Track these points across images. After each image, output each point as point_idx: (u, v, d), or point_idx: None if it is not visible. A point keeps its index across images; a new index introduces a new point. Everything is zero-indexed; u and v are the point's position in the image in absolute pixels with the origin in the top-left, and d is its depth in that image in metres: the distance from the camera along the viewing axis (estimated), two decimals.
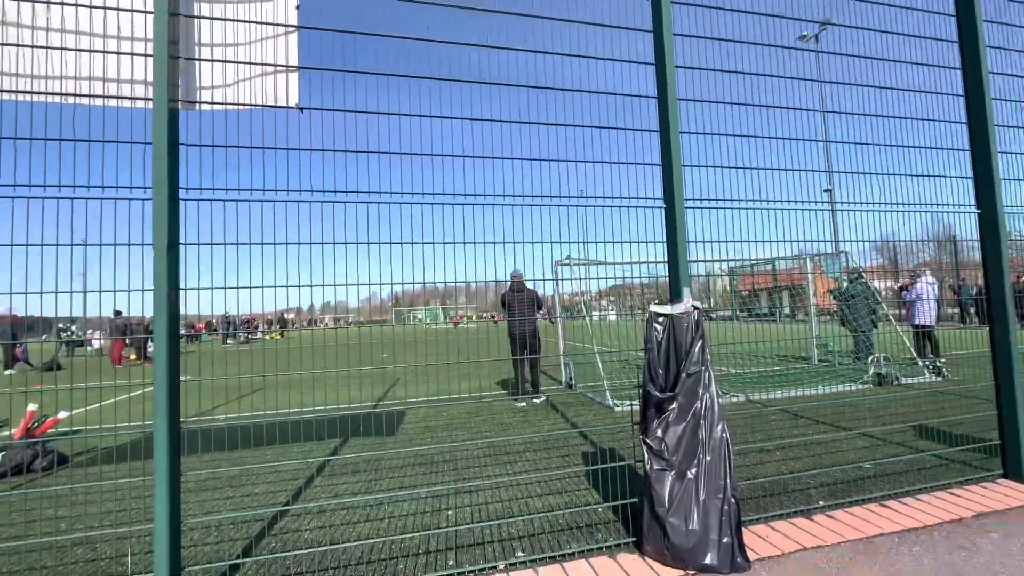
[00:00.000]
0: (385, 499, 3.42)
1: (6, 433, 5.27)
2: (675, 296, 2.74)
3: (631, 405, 5.91)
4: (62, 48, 2.19)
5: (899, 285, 7.77)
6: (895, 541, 2.59)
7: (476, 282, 2.83)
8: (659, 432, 2.54)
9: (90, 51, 2.18)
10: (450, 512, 3.17)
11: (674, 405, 2.54)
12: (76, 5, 2.18)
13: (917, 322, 7.33)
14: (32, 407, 4.61)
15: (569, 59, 2.82)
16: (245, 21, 2.29)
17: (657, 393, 2.53)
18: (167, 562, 2.02)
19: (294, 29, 2.38)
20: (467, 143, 2.67)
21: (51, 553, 2.81)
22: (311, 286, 2.41)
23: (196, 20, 2.29)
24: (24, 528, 3.16)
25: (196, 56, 2.28)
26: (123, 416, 6.51)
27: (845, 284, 7.81)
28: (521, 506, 3.23)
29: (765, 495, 3.17)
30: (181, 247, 2.20)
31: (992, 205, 3.30)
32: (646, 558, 2.51)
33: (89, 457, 4.80)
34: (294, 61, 2.38)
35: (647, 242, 2.85)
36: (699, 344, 2.61)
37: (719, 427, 2.52)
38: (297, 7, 2.39)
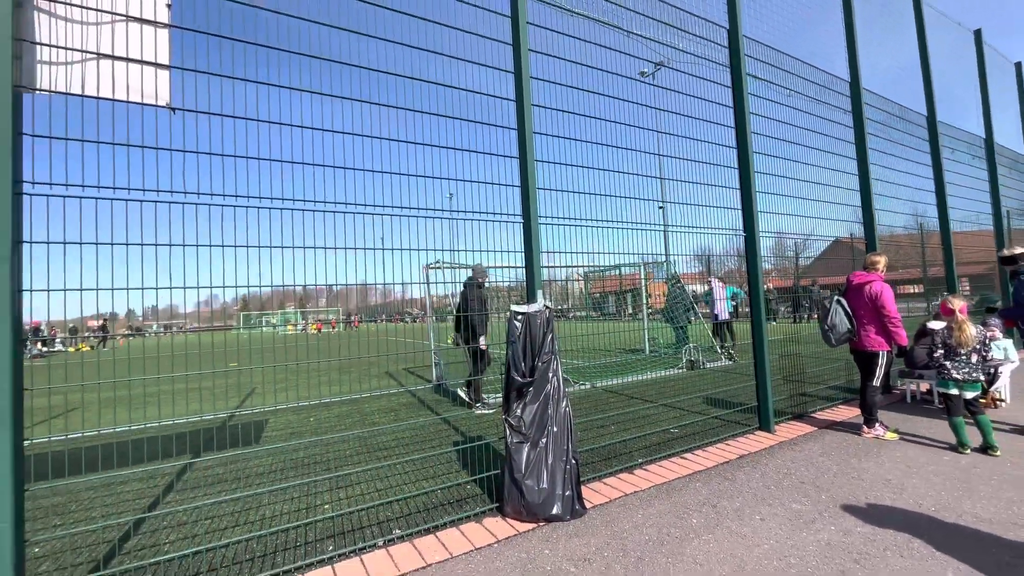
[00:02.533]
0: (254, 498, 3.38)
1: None
2: (531, 297, 3.28)
3: (496, 398, 6.47)
4: None
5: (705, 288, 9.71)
6: (686, 481, 3.46)
7: (336, 285, 2.92)
8: (518, 411, 3.04)
9: None
10: (327, 506, 3.29)
11: (531, 389, 3.07)
12: None
13: (716, 317, 9.32)
14: None
15: (433, 76, 3.19)
16: (106, 11, 2.20)
17: (519, 378, 3.03)
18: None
19: (164, 26, 2.35)
20: (348, 155, 2.87)
21: None
22: (141, 289, 2.37)
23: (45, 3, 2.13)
24: None
25: (44, 41, 2.12)
26: None
27: (667, 288, 9.51)
28: (396, 492, 3.48)
29: (601, 460, 3.90)
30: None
31: (751, 230, 4.53)
32: (506, 518, 2.98)
33: None
34: (164, 59, 2.34)
35: (508, 251, 3.35)
36: (550, 337, 3.18)
37: (563, 403, 3.12)
38: (168, 5, 2.36)
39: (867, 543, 2.54)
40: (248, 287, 2.65)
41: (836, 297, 4.45)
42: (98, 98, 2.20)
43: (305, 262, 2.68)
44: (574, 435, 3.10)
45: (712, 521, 2.85)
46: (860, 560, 2.39)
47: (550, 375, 3.11)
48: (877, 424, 4.28)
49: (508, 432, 3.02)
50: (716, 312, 9.36)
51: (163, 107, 2.32)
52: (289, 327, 27.09)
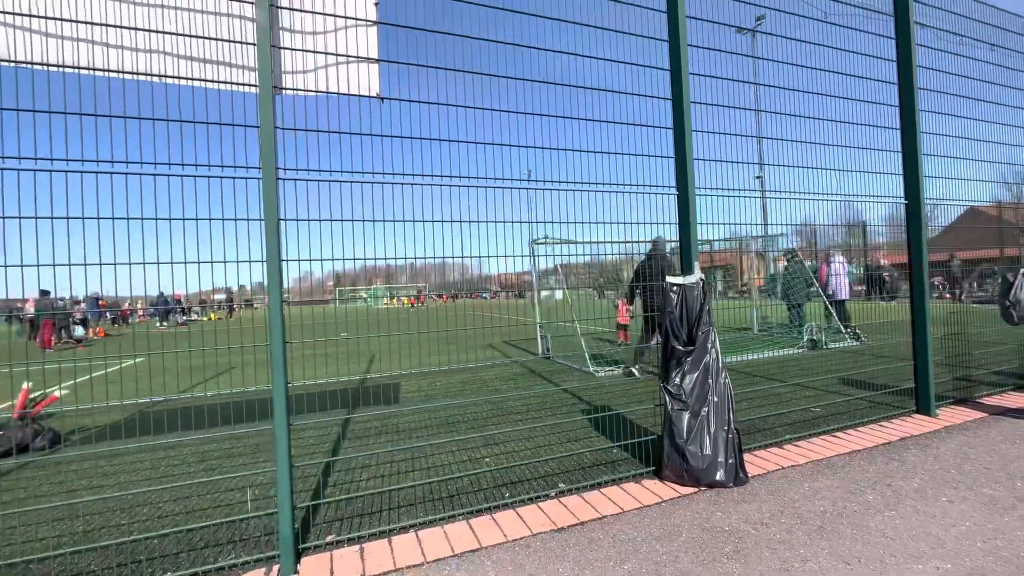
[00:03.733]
0: (419, 450, 3.79)
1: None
2: (687, 269, 3.30)
3: (609, 371, 6.58)
4: (170, 33, 2.30)
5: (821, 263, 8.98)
6: (847, 459, 3.35)
7: (453, 258, 3.03)
8: (677, 380, 3.11)
9: (189, 35, 2.31)
10: (487, 459, 3.61)
11: (690, 358, 3.12)
12: None
13: (837, 296, 8.61)
14: (26, 385, 4.47)
15: (588, 64, 3.23)
16: (339, 16, 2.50)
17: (679, 347, 3.09)
18: (289, 499, 2.31)
19: (373, 23, 2.61)
20: (487, 132, 3.01)
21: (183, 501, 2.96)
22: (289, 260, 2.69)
23: (285, 11, 2.46)
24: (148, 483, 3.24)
25: (289, 45, 2.46)
26: (99, 395, 6.29)
27: (783, 264, 8.92)
28: (547, 451, 3.72)
29: (744, 434, 3.87)
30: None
31: (916, 198, 4.14)
32: (665, 481, 3.10)
33: (81, 437, 4.73)
34: (374, 54, 2.61)
35: (657, 224, 3.37)
36: (707, 308, 3.19)
37: (723, 375, 3.13)
38: (376, 3, 2.61)
39: None
40: (367, 260, 2.91)
41: (1023, 270, 3.97)
42: (328, 93, 2.52)
43: (395, 237, 2.72)
44: (734, 406, 3.12)
45: (891, 499, 2.76)
46: None
47: (708, 346, 3.14)
48: None
49: (668, 400, 3.11)
50: (834, 289, 8.66)
51: (374, 97, 2.60)
52: (385, 301, 28.93)
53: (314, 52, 2.51)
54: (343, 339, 10.76)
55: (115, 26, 2.23)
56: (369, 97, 2.59)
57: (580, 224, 3.26)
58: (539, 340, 8.46)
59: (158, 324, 19.03)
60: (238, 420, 4.88)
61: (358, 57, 2.57)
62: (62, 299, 15.27)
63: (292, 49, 2.46)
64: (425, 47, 2.70)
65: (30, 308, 13.86)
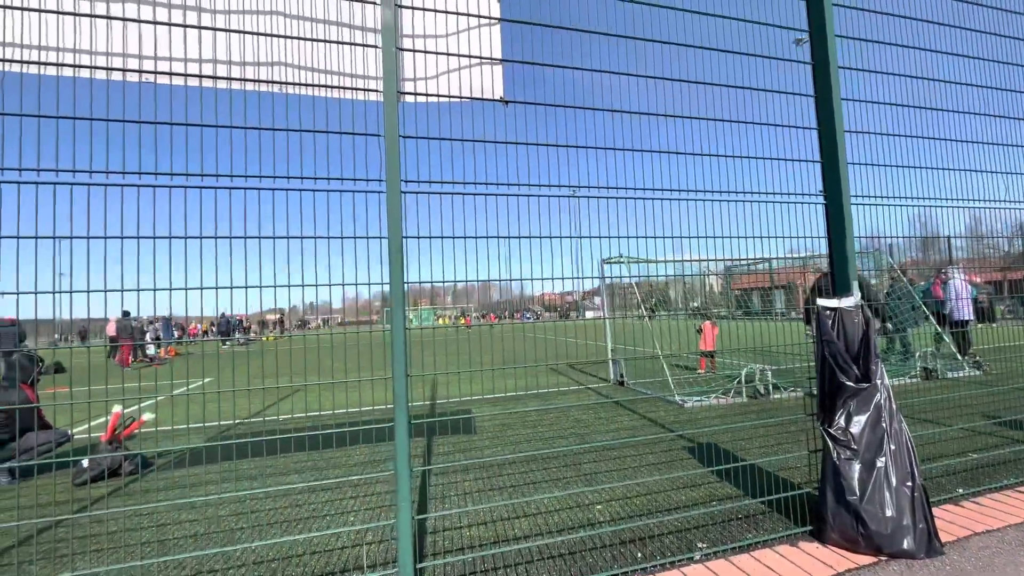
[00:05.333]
0: (519, 489, 3.41)
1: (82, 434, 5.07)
2: (842, 290, 2.81)
3: (699, 401, 6.01)
4: (289, 36, 2.14)
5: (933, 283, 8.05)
6: None
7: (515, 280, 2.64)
8: (842, 422, 2.61)
9: (312, 39, 2.14)
10: (599, 507, 3.19)
11: (857, 397, 2.61)
12: None
13: (956, 318, 7.63)
14: (117, 409, 4.46)
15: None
16: (461, 14, 2.28)
17: (849, 383, 2.60)
18: (411, 553, 1.99)
19: (497, 22, 2.37)
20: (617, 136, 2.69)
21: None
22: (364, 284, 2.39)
23: (408, 12, 2.26)
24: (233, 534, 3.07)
25: (412, 48, 2.25)
26: (179, 417, 6.33)
27: (887, 284, 8.07)
28: (664, 499, 3.26)
29: None
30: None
31: None
32: (830, 546, 2.57)
33: (169, 460, 4.67)
34: (498, 54, 2.37)
35: (811, 237, 2.92)
36: (872, 338, 2.69)
37: (898, 417, 2.60)
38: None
39: None
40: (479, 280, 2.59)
41: None
42: (451, 98, 2.28)
43: (498, 250, 2.45)
44: (916, 455, 2.57)
45: None
46: None
47: (878, 382, 2.62)
48: None
49: (831, 446, 2.60)
50: (952, 311, 7.69)
51: (498, 100, 2.35)
52: (441, 320, 29.15)
53: (436, 54, 2.28)
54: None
55: (207, 27, 2.09)
56: (492, 101, 2.34)
57: (705, 239, 2.86)
58: (610, 365, 7.97)
59: (221, 344, 19.80)
60: (325, 446, 4.69)
61: (481, 58, 2.33)
62: (137, 320, 16.17)
63: (415, 51, 2.24)
64: (551, 45, 2.43)
65: (111, 329, 14.67)
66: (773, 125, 2.90)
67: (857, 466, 2.54)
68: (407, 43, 2.27)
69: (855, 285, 2.78)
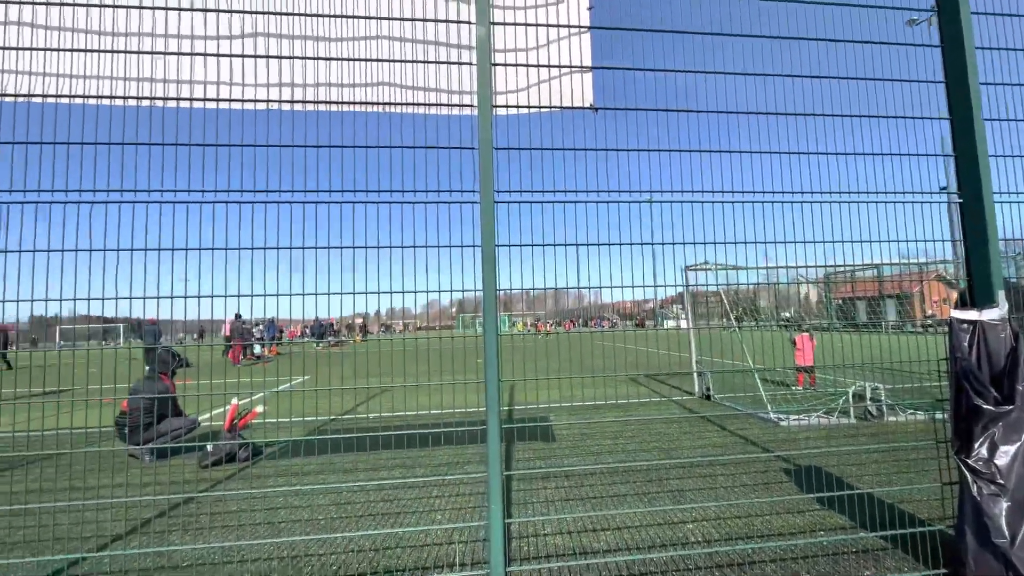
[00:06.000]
0: (602, 502, 3.34)
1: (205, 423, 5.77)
2: (983, 300, 2.46)
3: (798, 420, 5.52)
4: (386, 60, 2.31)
5: None
6: None
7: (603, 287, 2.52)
8: (984, 451, 2.27)
9: (412, 61, 2.29)
10: (690, 525, 3.04)
11: (1002, 422, 2.26)
12: (400, 20, 2.30)
13: None
14: (235, 401, 5.00)
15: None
16: (552, 25, 2.32)
17: (988, 407, 2.26)
18: (502, 554, 2.02)
19: (587, 30, 2.38)
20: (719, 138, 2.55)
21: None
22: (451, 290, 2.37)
23: (500, 27, 2.35)
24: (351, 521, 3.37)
25: (503, 62, 2.33)
26: (283, 411, 6.96)
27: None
28: (762, 525, 3.03)
29: None
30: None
31: None
32: None
33: (278, 449, 5.12)
34: (587, 62, 2.37)
35: (933, 241, 2.59)
36: (1021, 355, 2.32)
37: None
38: (590, 8, 2.39)
39: None
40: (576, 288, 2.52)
41: None
42: (540, 109, 2.32)
43: (588, 258, 2.37)
44: None
45: None
46: None
47: None
48: None
49: (971, 479, 2.27)
50: None
51: (588, 108, 2.35)
52: (519, 326, 29.59)
53: (527, 66, 2.34)
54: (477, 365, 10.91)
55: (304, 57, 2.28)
56: (583, 109, 2.34)
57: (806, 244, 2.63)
58: (695, 377, 7.57)
59: (315, 345, 21.53)
60: (410, 444, 4.93)
61: (571, 67, 2.34)
62: (247, 322, 18.03)
63: (507, 65, 2.31)
64: (642, 49, 2.39)
65: (227, 330, 16.47)
66: (892, 117, 2.63)
67: (1005, 504, 2.20)
68: (499, 58, 2.35)
69: (1001, 295, 2.42)
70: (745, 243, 2.54)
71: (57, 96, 2.16)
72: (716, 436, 5.14)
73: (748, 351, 6.29)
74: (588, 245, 2.25)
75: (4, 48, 2.11)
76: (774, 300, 8.39)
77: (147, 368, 5.25)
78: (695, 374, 7.54)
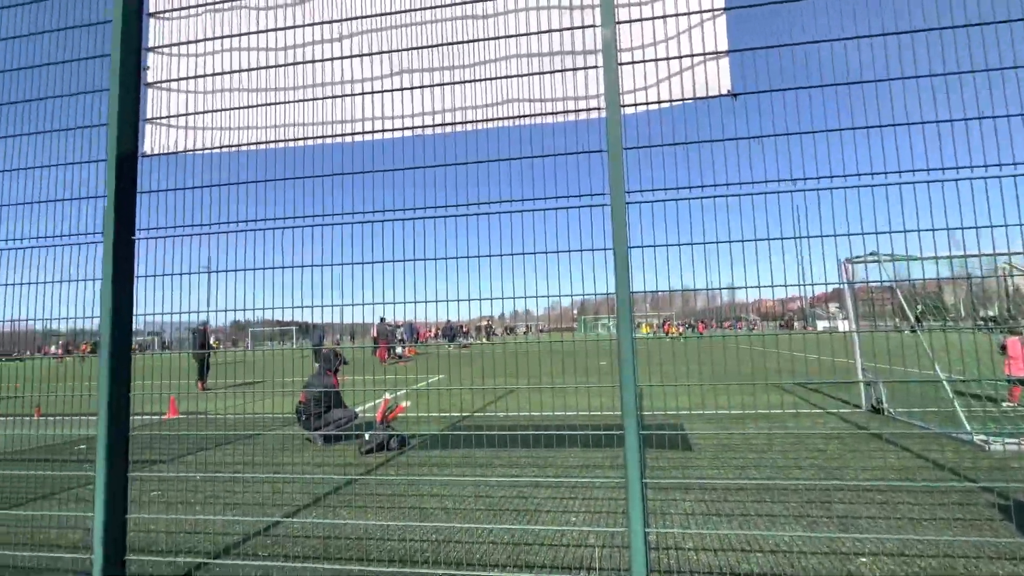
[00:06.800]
0: (751, 521, 3.05)
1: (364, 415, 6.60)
2: None
3: (1014, 444, 4.44)
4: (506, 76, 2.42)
5: None
6: None
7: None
8: None
9: (539, 73, 2.36)
10: (864, 559, 2.62)
11: None
12: (526, 35, 2.39)
13: None
14: (387, 396, 5.61)
15: None
16: (682, 14, 2.22)
17: None
18: (644, 565, 1.97)
19: (721, 12, 2.22)
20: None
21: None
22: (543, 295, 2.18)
23: (625, 25, 2.30)
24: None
25: (631, 60, 2.28)
26: (423, 406, 7.62)
27: None
28: (964, 568, 2.49)
29: None
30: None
31: None
32: None
33: (419, 442, 5.62)
34: (724, 46, 2.21)
35: None
36: None
37: None
38: None
39: None
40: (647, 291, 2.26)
41: None
42: (672, 103, 2.22)
43: (656, 262, 2.15)
44: None
45: None
46: None
47: None
48: None
49: None
50: None
51: (726, 95, 2.18)
52: (644, 328, 28.73)
53: (656, 61, 2.25)
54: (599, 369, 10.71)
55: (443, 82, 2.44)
56: (720, 97, 2.19)
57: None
58: (861, 387, 6.53)
59: (447, 346, 23.19)
60: (535, 444, 5.06)
61: (705, 54, 2.20)
62: (391, 324, 20.11)
63: (635, 63, 2.26)
64: (788, 24, 2.15)
65: (374, 332, 18.55)
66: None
67: None
68: (624, 56, 2.31)
69: None
70: (922, 231, 2.12)
71: (256, 143, 2.65)
72: (892, 457, 4.37)
73: (937, 358, 5.23)
74: (731, 242, 2.08)
75: (227, 109, 2.66)
76: (969, 296, 6.85)
77: (315, 365, 6.17)
78: (861, 384, 6.50)
